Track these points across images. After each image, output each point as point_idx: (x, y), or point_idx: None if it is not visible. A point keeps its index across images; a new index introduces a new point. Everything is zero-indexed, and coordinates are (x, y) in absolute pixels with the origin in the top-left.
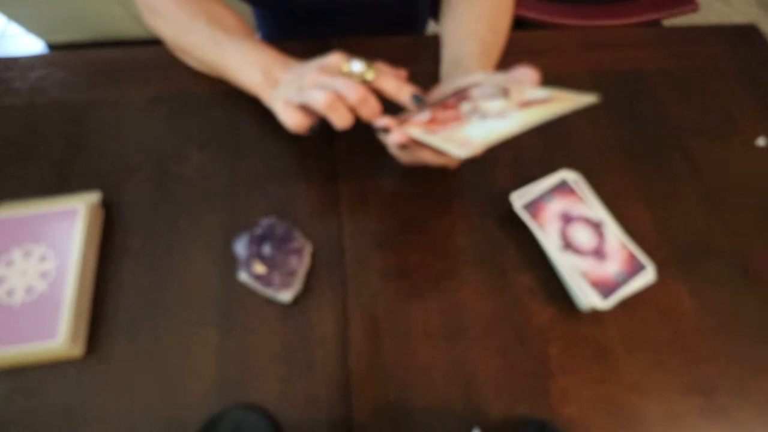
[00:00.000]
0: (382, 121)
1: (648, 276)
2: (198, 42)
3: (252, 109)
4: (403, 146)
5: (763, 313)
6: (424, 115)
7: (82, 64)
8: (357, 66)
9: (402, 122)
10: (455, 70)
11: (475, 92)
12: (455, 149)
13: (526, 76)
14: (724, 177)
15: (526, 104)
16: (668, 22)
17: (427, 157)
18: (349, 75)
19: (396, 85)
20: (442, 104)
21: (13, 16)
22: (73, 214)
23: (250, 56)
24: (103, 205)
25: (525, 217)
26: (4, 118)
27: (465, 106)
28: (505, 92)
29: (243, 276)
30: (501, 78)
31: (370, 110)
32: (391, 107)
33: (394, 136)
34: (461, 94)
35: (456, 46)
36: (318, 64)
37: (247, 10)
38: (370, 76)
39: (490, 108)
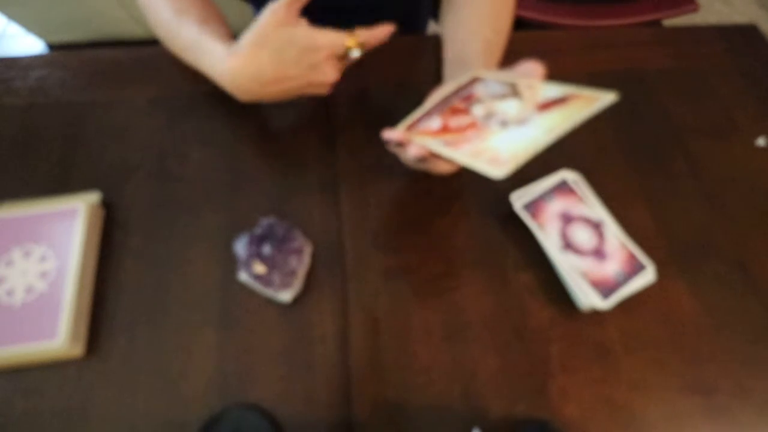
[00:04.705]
0: (392, 134)
1: (648, 276)
2: (178, 46)
3: (252, 109)
4: (422, 159)
5: (763, 313)
6: (435, 123)
7: (82, 64)
8: (355, 53)
9: (410, 130)
10: (459, 70)
11: (480, 90)
12: (488, 168)
13: (531, 69)
14: (724, 177)
15: (545, 107)
16: (668, 22)
17: (444, 168)
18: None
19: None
20: (451, 108)
21: (13, 16)
22: (73, 214)
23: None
24: (103, 205)
25: (525, 217)
26: (4, 118)
27: (477, 109)
28: (513, 89)
29: (243, 276)
30: (503, 74)
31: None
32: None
33: (412, 150)
34: (465, 93)
35: (458, 45)
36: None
37: (248, 10)
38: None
39: (507, 111)
